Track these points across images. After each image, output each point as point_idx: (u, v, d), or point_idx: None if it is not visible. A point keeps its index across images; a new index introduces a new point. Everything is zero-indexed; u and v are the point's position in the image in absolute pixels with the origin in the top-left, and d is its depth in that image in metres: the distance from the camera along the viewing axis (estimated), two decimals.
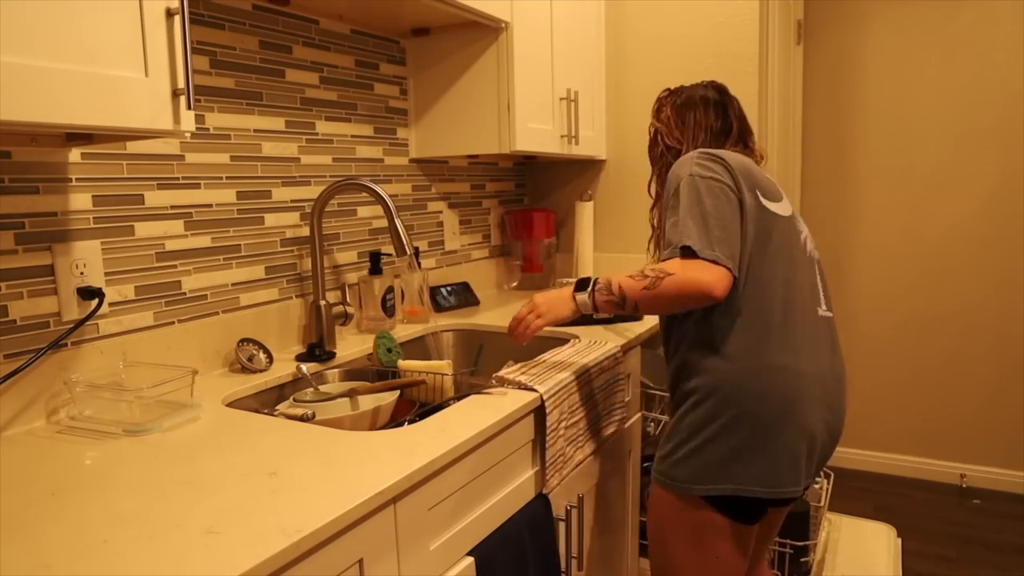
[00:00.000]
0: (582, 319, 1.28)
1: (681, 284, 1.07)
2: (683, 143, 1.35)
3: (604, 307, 1.19)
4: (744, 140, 1.36)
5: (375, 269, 1.67)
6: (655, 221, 1.42)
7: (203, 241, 1.34)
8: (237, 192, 1.40)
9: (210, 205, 1.35)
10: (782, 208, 1.21)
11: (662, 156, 1.38)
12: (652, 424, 1.85)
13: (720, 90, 1.37)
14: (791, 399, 1.11)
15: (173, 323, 1.28)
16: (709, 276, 1.06)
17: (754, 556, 1.40)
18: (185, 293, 1.30)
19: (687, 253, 1.09)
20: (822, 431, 1.15)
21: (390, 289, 1.66)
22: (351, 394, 1.30)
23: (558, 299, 1.23)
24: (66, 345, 1.10)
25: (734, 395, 1.12)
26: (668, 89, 1.42)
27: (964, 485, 2.85)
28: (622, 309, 1.17)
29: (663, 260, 1.13)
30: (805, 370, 1.13)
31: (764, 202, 1.17)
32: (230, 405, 1.18)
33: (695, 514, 1.16)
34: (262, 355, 1.34)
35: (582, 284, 1.22)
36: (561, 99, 1.98)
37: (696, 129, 1.34)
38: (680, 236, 1.10)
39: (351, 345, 1.52)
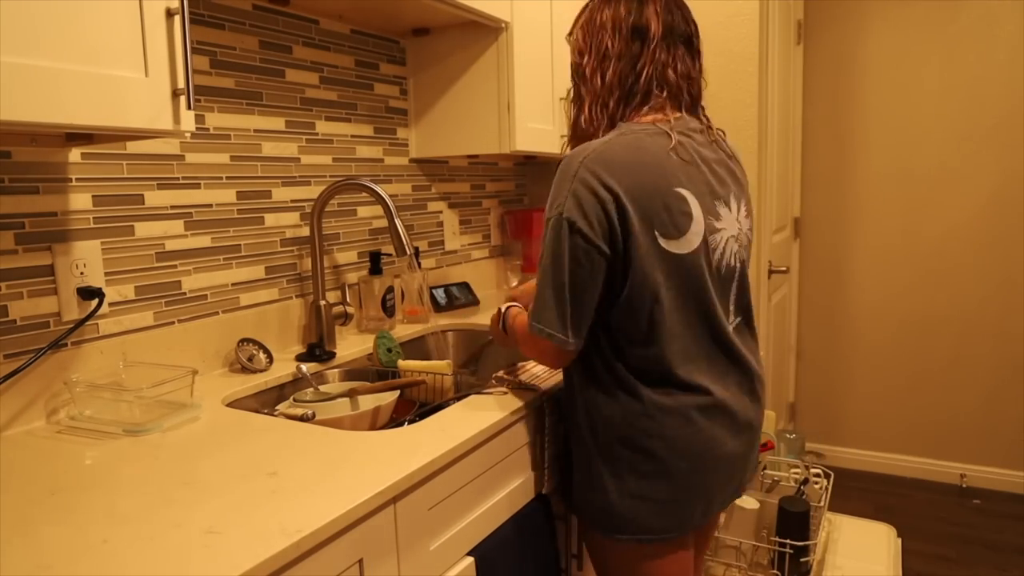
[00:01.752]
0: None
1: (531, 356, 1.11)
2: (586, 54, 1.07)
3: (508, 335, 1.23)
4: (666, 65, 1.04)
5: (375, 269, 1.67)
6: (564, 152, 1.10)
7: (203, 241, 1.34)
8: (237, 192, 1.40)
9: (210, 205, 1.35)
10: (685, 243, 1.00)
11: (572, 79, 1.12)
12: None
13: None
14: (704, 442, 1.04)
15: (173, 323, 1.28)
16: (552, 360, 1.07)
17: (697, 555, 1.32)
18: (185, 293, 1.30)
19: (537, 332, 1.03)
20: (739, 445, 1.09)
21: (390, 289, 1.66)
22: (351, 394, 1.30)
23: (496, 333, 1.28)
24: (66, 345, 1.10)
25: (651, 443, 1.03)
26: None
27: (964, 485, 2.85)
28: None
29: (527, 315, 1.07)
30: (719, 402, 1.05)
31: (661, 243, 0.98)
32: (230, 405, 1.17)
33: (622, 545, 1.09)
34: (262, 355, 1.34)
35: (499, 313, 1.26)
36: (561, 99, 1.98)
37: (602, 32, 1.05)
38: (536, 312, 1.03)
39: (351, 345, 1.52)
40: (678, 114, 1.07)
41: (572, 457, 1.14)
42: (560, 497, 1.24)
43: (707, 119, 1.11)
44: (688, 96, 1.08)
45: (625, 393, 1.04)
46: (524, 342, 1.11)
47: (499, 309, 1.27)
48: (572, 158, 1.00)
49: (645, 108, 1.05)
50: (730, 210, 1.07)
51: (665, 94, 1.05)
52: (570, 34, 1.12)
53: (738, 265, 1.10)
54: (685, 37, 1.06)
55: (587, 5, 1.11)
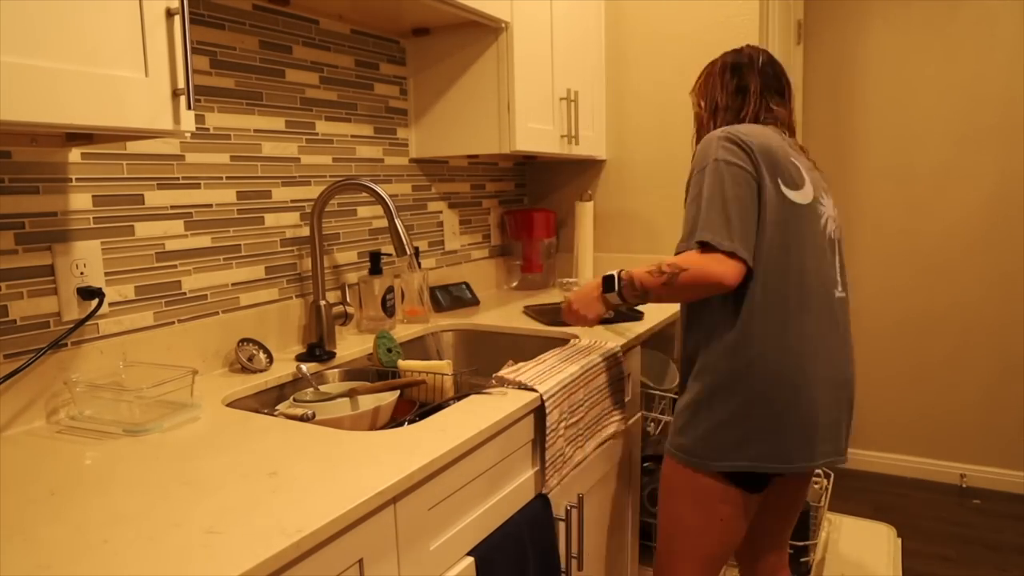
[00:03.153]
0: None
1: (696, 277, 1.16)
2: (703, 105, 1.38)
3: (631, 302, 1.32)
4: (767, 103, 1.33)
5: (375, 269, 1.67)
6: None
7: (203, 241, 1.34)
8: (237, 192, 1.40)
9: (210, 205, 1.35)
10: (803, 195, 1.21)
11: (697, 129, 1.42)
12: (652, 424, 1.85)
13: (743, 51, 1.37)
14: (802, 383, 1.18)
15: (173, 323, 1.28)
16: (723, 268, 1.15)
17: (772, 533, 1.44)
18: (185, 293, 1.30)
19: (705, 247, 1.16)
20: (833, 408, 1.22)
21: (390, 289, 1.66)
22: (351, 394, 1.30)
23: (589, 300, 1.37)
24: (66, 345, 1.10)
25: (748, 377, 1.18)
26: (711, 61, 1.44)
27: (964, 485, 2.85)
28: (644, 301, 1.29)
29: (681, 251, 1.20)
30: (817, 353, 1.19)
31: (784, 191, 1.19)
32: (230, 405, 1.18)
33: (705, 482, 1.23)
34: (262, 355, 1.34)
35: (608, 283, 1.33)
36: (561, 99, 1.98)
37: (713, 91, 1.36)
38: (701, 227, 1.16)
39: (351, 345, 1.52)
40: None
41: (696, 398, 1.24)
42: (670, 442, 1.31)
43: (799, 144, 1.36)
44: (785, 124, 1.35)
45: (737, 330, 1.18)
46: (689, 279, 1.17)
47: (596, 282, 1.37)
48: (708, 138, 1.24)
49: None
50: (829, 199, 1.29)
51: (765, 118, 1.32)
52: (694, 91, 1.43)
53: (837, 242, 1.28)
54: (778, 89, 1.36)
55: (701, 73, 1.42)
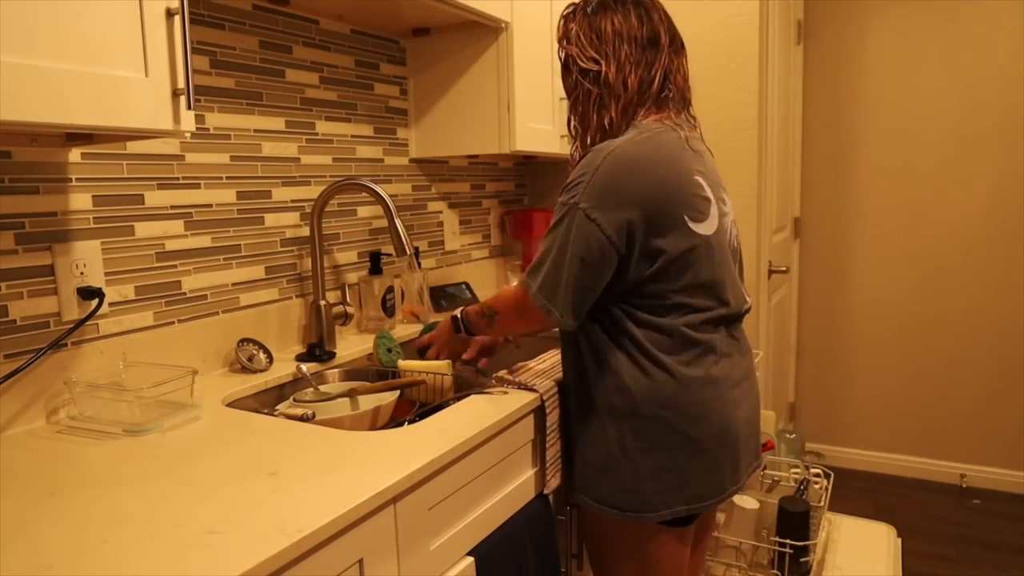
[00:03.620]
0: None
1: (506, 324, 1.19)
2: (602, 61, 1.10)
3: (479, 331, 1.28)
4: (677, 64, 1.13)
5: (375, 269, 1.67)
6: (575, 153, 1.19)
7: (203, 241, 1.34)
8: (237, 192, 1.40)
9: (210, 205, 1.35)
10: (708, 224, 1.08)
11: (577, 84, 1.14)
12: None
13: None
14: (727, 414, 1.10)
15: (173, 323, 1.28)
16: (525, 323, 1.15)
17: (697, 551, 1.37)
18: (185, 293, 1.30)
19: (527, 286, 1.10)
20: (746, 428, 1.16)
21: (390, 289, 1.66)
22: (351, 394, 1.30)
23: (451, 341, 1.35)
24: (66, 345, 1.10)
25: (675, 418, 1.07)
26: (571, 3, 1.18)
27: (964, 485, 2.85)
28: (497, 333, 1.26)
29: (522, 283, 1.12)
30: (732, 378, 1.12)
31: (692, 227, 1.06)
32: (230, 405, 1.17)
33: (640, 533, 1.13)
34: (262, 355, 1.34)
35: (455, 324, 1.31)
36: (561, 99, 1.98)
37: (617, 41, 1.10)
38: (533, 269, 1.09)
39: (351, 345, 1.52)
40: (677, 115, 1.15)
41: (581, 439, 1.15)
42: (566, 483, 1.23)
43: (694, 118, 1.19)
44: (685, 98, 1.17)
45: (653, 366, 1.08)
46: (513, 309, 1.16)
47: (446, 322, 1.34)
48: (597, 152, 1.06)
49: (655, 109, 1.13)
50: (725, 199, 1.16)
51: (671, 96, 1.14)
52: (567, 42, 1.16)
53: (738, 247, 1.20)
54: (681, 43, 1.16)
55: (574, 14, 1.16)
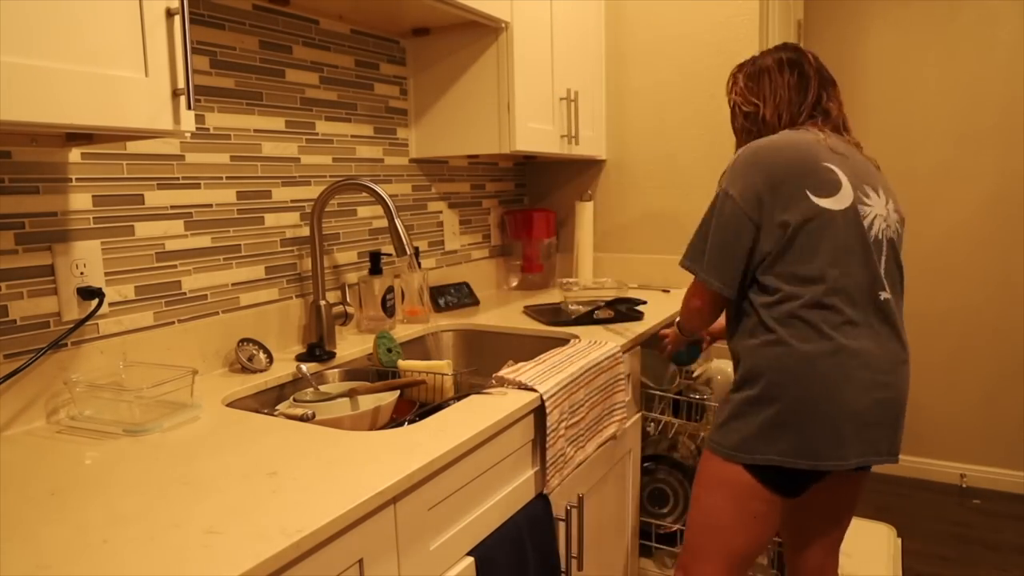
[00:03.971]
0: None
1: (685, 309, 1.41)
2: (760, 104, 1.36)
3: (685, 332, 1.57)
4: (821, 102, 1.34)
5: (375, 269, 1.67)
6: None
7: (203, 241, 1.34)
8: (237, 192, 1.40)
9: (210, 205, 1.35)
10: (837, 201, 1.21)
11: (742, 127, 1.41)
12: (652, 424, 1.85)
13: (792, 48, 1.39)
14: (834, 385, 1.18)
15: (173, 323, 1.28)
16: (698, 301, 1.36)
17: (820, 533, 1.42)
18: (185, 293, 1.30)
19: (686, 267, 1.32)
20: (870, 410, 1.20)
21: (390, 289, 1.66)
22: (351, 394, 1.30)
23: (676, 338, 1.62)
24: (66, 345, 1.10)
25: (778, 377, 1.20)
26: (739, 64, 1.45)
27: (964, 485, 2.85)
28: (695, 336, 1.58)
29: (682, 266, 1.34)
30: (854, 355, 1.19)
31: (814, 200, 1.20)
32: (230, 405, 1.18)
33: (740, 478, 1.26)
34: (262, 355, 1.34)
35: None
36: (561, 99, 1.98)
37: (775, 89, 1.35)
38: (684, 254, 1.34)
39: (351, 345, 1.52)
40: (823, 129, 1.31)
41: (733, 396, 1.29)
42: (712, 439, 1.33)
43: (853, 138, 1.36)
44: (834, 121, 1.35)
45: (766, 332, 1.23)
46: (689, 298, 1.39)
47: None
48: (739, 152, 1.28)
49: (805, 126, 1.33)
50: (879, 196, 1.27)
51: (821, 120, 1.33)
52: (734, 91, 1.42)
53: (885, 241, 1.26)
54: (832, 80, 1.38)
55: (742, 68, 1.42)
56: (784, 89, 1.35)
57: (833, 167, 1.23)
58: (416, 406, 1.36)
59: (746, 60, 1.43)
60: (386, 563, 0.85)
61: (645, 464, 1.81)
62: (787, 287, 1.20)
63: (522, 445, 1.16)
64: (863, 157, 1.32)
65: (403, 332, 1.66)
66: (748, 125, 1.40)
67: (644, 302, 1.87)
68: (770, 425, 1.21)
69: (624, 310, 1.73)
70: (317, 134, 1.59)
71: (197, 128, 1.32)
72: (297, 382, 1.35)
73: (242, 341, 1.34)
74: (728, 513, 1.28)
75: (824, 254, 1.19)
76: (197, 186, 1.32)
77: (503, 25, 1.72)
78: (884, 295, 1.23)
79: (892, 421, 1.23)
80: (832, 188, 1.21)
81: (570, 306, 1.78)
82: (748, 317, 1.27)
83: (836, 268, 1.19)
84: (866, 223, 1.23)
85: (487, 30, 1.74)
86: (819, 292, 1.18)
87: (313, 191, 1.58)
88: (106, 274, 1.17)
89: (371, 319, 1.65)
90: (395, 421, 1.27)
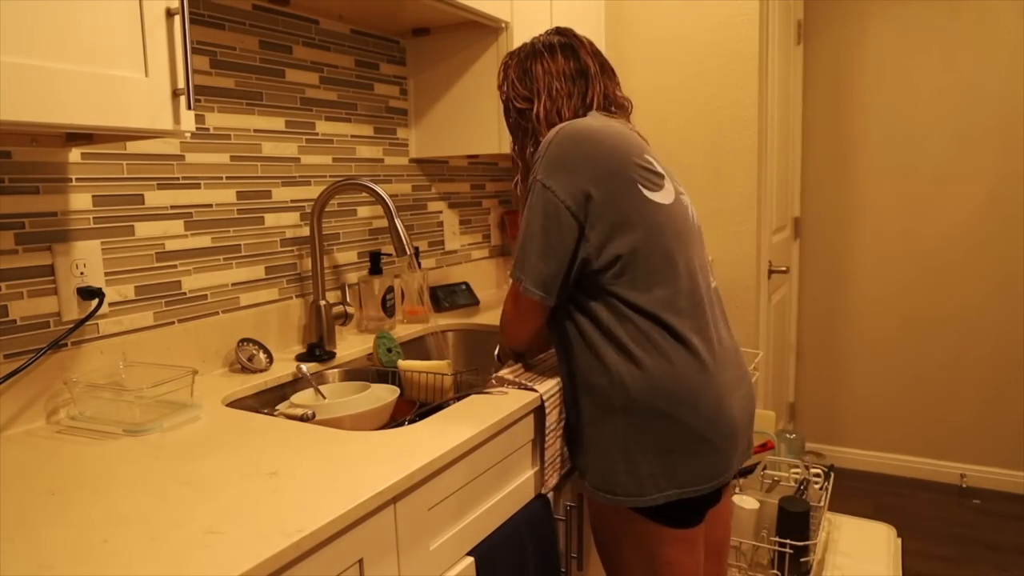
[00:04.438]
0: None
1: (506, 322, 1.20)
2: (533, 98, 1.20)
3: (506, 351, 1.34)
4: (610, 88, 1.21)
5: (375, 269, 1.67)
6: (519, 191, 1.27)
7: (203, 241, 1.34)
8: (237, 192, 1.40)
9: (210, 205, 1.35)
10: (664, 194, 1.11)
11: (516, 124, 1.25)
12: None
13: (562, 32, 1.24)
14: (716, 391, 1.09)
15: (173, 323, 1.28)
16: (515, 309, 1.16)
17: (714, 562, 1.32)
18: (185, 293, 1.30)
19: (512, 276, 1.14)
20: (740, 410, 1.14)
21: (390, 289, 1.66)
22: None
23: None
24: (66, 345, 1.10)
25: (663, 396, 1.07)
26: (510, 52, 1.28)
27: (964, 485, 2.85)
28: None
29: (512, 279, 1.15)
30: (718, 356, 1.12)
31: (646, 194, 1.08)
32: (230, 405, 1.18)
33: (639, 526, 1.12)
34: (262, 355, 1.34)
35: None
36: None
37: (547, 78, 1.19)
38: (517, 264, 1.13)
39: (351, 345, 1.52)
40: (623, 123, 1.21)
41: (580, 431, 1.16)
42: (579, 478, 1.23)
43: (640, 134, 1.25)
44: (627, 110, 1.25)
45: (644, 354, 1.08)
46: (509, 305, 1.19)
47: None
48: (551, 132, 1.12)
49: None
50: (681, 186, 1.21)
51: (612, 108, 1.22)
52: (503, 86, 1.26)
53: (699, 228, 1.21)
54: (611, 70, 1.25)
55: (511, 59, 1.26)
56: (558, 79, 1.19)
57: (650, 158, 1.13)
58: (416, 406, 1.36)
59: (518, 47, 1.27)
60: (386, 563, 0.85)
61: None
62: (642, 289, 1.08)
63: (522, 445, 1.16)
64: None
65: (403, 332, 1.66)
66: (523, 123, 1.23)
67: None
68: (666, 459, 1.07)
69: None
70: (317, 134, 1.59)
71: (197, 128, 1.32)
72: (297, 382, 1.35)
73: (242, 341, 1.34)
74: (643, 570, 1.14)
75: (668, 249, 1.09)
76: (197, 186, 1.32)
77: (503, 25, 1.72)
78: (713, 283, 1.19)
79: (751, 415, 1.19)
80: (657, 181, 1.11)
81: None
82: (594, 329, 1.11)
83: (686, 260, 1.11)
84: (689, 213, 1.17)
85: (487, 30, 1.74)
86: (677, 290, 1.09)
87: (313, 191, 1.58)
88: (106, 274, 1.17)
89: (371, 319, 1.65)
90: (395, 421, 1.27)
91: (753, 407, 1.20)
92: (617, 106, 1.23)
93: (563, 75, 1.19)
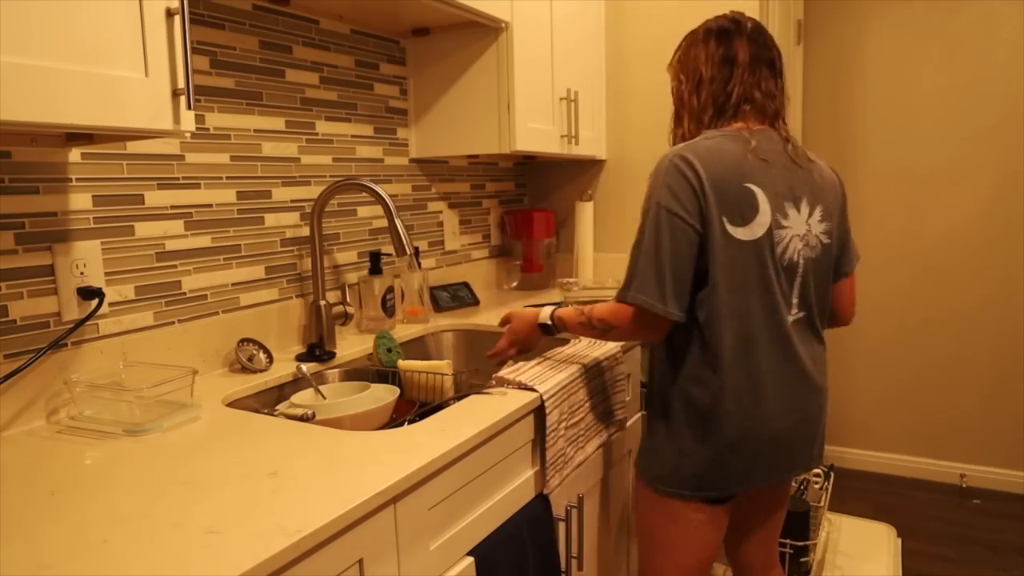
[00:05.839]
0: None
1: (625, 337, 1.21)
2: (682, 79, 1.25)
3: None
4: (756, 79, 1.20)
5: (375, 269, 1.67)
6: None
7: (203, 241, 1.34)
8: (237, 192, 1.40)
9: (210, 205, 1.35)
10: (750, 230, 1.14)
11: (675, 107, 1.29)
12: None
13: (733, 18, 1.23)
14: (757, 419, 1.18)
15: (173, 323, 1.28)
16: (649, 334, 1.19)
17: (758, 529, 1.43)
18: (185, 293, 1.30)
19: (635, 302, 1.15)
20: (791, 434, 1.22)
21: (390, 289, 1.66)
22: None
23: (529, 334, 1.39)
24: (66, 345, 1.10)
25: (707, 413, 1.18)
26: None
27: (964, 485, 2.85)
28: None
29: (618, 299, 1.18)
30: (768, 386, 1.18)
31: (729, 229, 1.13)
32: (230, 405, 1.18)
33: (674, 502, 1.25)
34: (262, 355, 1.34)
35: (545, 329, 1.35)
36: (561, 99, 1.98)
37: (695, 62, 1.23)
38: (636, 286, 1.15)
39: (351, 345, 1.52)
40: (760, 126, 1.22)
41: (654, 429, 1.28)
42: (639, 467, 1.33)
43: (787, 131, 1.25)
44: (771, 110, 1.23)
45: (708, 368, 1.18)
46: (632, 324, 1.18)
47: (531, 324, 1.38)
48: (663, 158, 1.17)
49: (733, 121, 1.22)
50: (799, 212, 1.20)
51: (750, 108, 1.21)
52: (673, 66, 1.30)
53: (801, 262, 1.21)
54: (768, 61, 1.22)
55: (680, 44, 1.30)
56: (705, 64, 1.21)
57: (754, 188, 1.14)
58: (416, 406, 1.36)
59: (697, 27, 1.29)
60: (386, 563, 0.85)
61: None
62: (707, 318, 1.16)
63: (522, 445, 1.16)
64: (790, 157, 1.21)
65: (403, 332, 1.66)
66: (674, 103, 1.28)
67: None
68: (702, 461, 1.20)
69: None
70: (317, 134, 1.59)
71: (197, 128, 1.32)
72: (297, 382, 1.35)
73: (242, 341, 1.34)
74: (670, 533, 1.27)
75: (735, 286, 1.14)
76: (197, 186, 1.32)
77: (503, 25, 1.72)
78: (793, 316, 1.21)
79: (812, 437, 1.25)
80: (747, 215, 1.14)
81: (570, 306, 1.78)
82: (668, 347, 1.24)
83: (747, 298, 1.15)
84: (779, 248, 1.17)
85: (487, 30, 1.74)
86: (735, 324, 1.15)
87: (313, 191, 1.58)
88: (106, 274, 1.17)
89: (371, 319, 1.65)
90: (395, 421, 1.27)
91: (812, 432, 1.25)
92: (756, 106, 1.21)
93: (711, 60, 1.20)
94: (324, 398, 1.28)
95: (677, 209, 1.12)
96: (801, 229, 1.20)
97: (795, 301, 1.22)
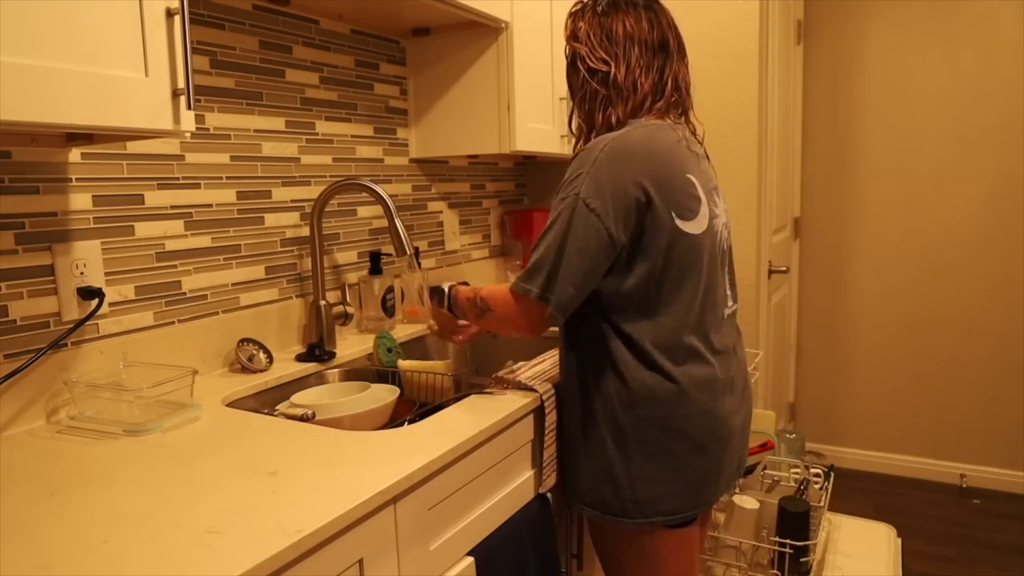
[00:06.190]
0: None
1: (501, 321, 1.13)
2: (611, 63, 1.10)
3: (463, 315, 1.23)
4: (679, 79, 1.14)
5: (375, 269, 1.67)
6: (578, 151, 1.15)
7: (203, 241, 1.34)
8: (237, 192, 1.40)
9: (210, 205, 1.35)
10: (697, 223, 1.07)
11: (584, 83, 1.14)
12: None
13: None
14: (723, 423, 1.12)
15: (173, 323, 1.28)
16: (526, 322, 1.09)
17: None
18: (185, 293, 1.30)
19: (521, 290, 1.08)
20: (740, 428, 1.19)
21: (390, 289, 1.66)
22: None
23: (444, 319, 1.30)
24: (66, 345, 1.10)
25: (670, 424, 1.08)
26: (579, 1, 1.17)
27: (964, 485, 2.85)
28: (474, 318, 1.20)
29: (514, 283, 1.10)
30: (724, 385, 1.14)
31: (678, 224, 1.05)
32: (230, 405, 1.18)
33: (647, 534, 1.13)
34: (262, 355, 1.34)
35: (438, 296, 1.25)
36: (561, 99, 1.98)
37: (628, 44, 1.10)
38: (527, 274, 1.07)
39: (351, 345, 1.52)
40: (677, 119, 1.17)
41: (576, 445, 1.16)
42: (561, 491, 1.24)
43: (694, 124, 1.21)
44: (685, 105, 1.19)
45: (651, 371, 1.08)
46: (510, 313, 1.11)
47: (437, 294, 1.26)
48: (593, 146, 1.06)
49: (657, 113, 1.14)
50: (717, 201, 1.17)
51: (675, 101, 1.16)
52: (576, 40, 1.15)
53: (728, 250, 1.20)
54: (685, 51, 1.18)
55: (583, 11, 1.16)
56: (638, 46, 1.10)
57: (692, 178, 1.08)
58: (416, 406, 1.36)
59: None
60: (386, 563, 0.85)
61: None
62: (650, 312, 1.08)
63: (522, 445, 1.16)
64: (704, 151, 1.18)
65: (403, 332, 1.66)
66: (596, 86, 1.12)
67: None
68: (668, 480, 1.09)
69: None
70: (317, 134, 1.59)
71: (197, 128, 1.32)
72: (297, 382, 1.35)
73: (242, 341, 1.34)
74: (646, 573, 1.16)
75: (686, 281, 1.07)
76: (197, 186, 1.32)
77: (503, 25, 1.72)
78: (729, 309, 1.18)
79: (747, 429, 1.24)
80: (693, 207, 1.07)
81: None
82: (609, 343, 1.10)
83: (698, 292, 1.09)
84: (718, 239, 1.13)
85: (487, 30, 1.74)
86: (687, 321, 1.08)
87: (313, 191, 1.58)
88: (106, 274, 1.17)
89: (371, 319, 1.65)
90: (395, 421, 1.27)
91: (751, 414, 1.24)
92: (680, 99, 1.15)
93: (645, 44, 1.10)
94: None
95: (596, 206, 1.02)
96: (724, 217, 1.18)
97: (730, 293, 1.20)
